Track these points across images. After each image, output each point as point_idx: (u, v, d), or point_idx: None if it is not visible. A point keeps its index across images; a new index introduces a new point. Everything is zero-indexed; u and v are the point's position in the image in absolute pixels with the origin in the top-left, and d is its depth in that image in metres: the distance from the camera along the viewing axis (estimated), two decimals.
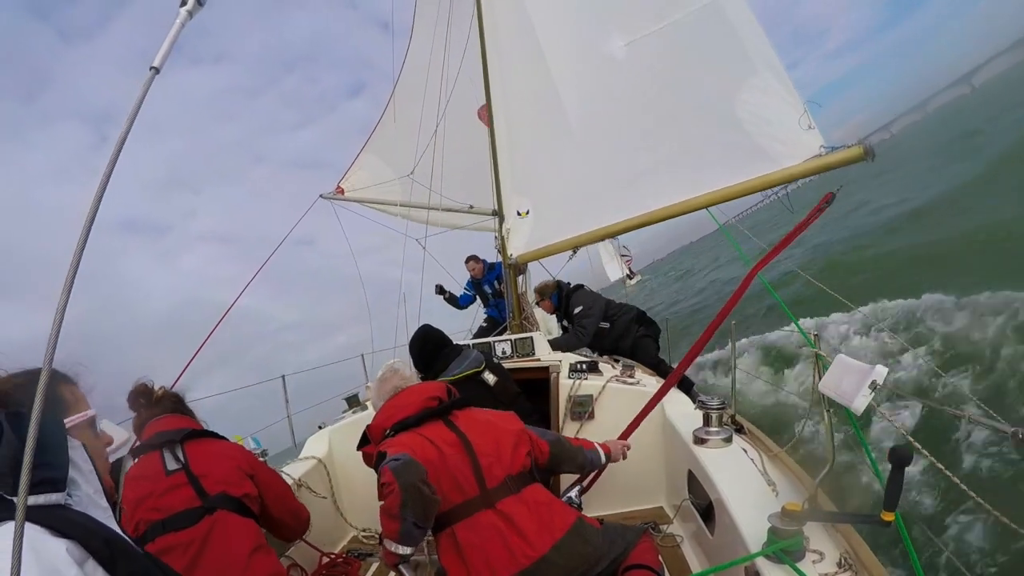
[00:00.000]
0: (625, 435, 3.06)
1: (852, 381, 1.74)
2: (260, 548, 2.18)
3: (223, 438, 2.57)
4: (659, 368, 5.44)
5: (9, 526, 0.96)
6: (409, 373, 2.66)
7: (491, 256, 8.04)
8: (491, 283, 8.03)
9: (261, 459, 2.83)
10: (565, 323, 6.29)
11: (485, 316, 8.31)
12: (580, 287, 6.33)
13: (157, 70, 0.86)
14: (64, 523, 1.05)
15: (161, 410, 2.51)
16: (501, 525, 2.12)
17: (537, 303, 6.36)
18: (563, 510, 2.23)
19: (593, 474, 2.95)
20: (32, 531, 0.96)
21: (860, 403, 1.67)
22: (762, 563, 1.76)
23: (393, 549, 2.02)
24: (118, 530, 1.17)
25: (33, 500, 1.01)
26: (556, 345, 5.23)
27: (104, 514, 1.17)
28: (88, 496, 1.18)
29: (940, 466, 1.73)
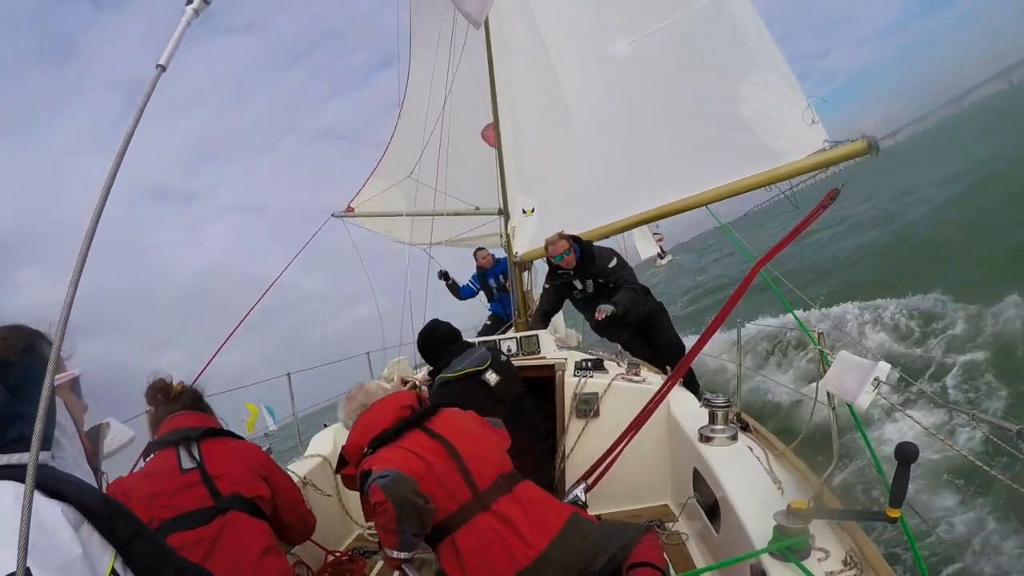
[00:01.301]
0: (631, 431, 3.05)
1: (855, 378, 1.73)
2: (271, 549, 2.18)
3: (240, 437, 2.56)
4: (682, 354, 5.12)
5: (2, 485, 0.92)
6: (374, 388, 2.61)
7: (498, 255, 8.11)
8: (496, 276, 8.04)
9: (269, 453, 2.82)
10: (578, 284, 5.34)
11: (489, 314, 8.33)
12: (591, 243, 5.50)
13: (163, 68, 0.86)
14: (55, 483, 0.98)
15: (179, 406, 2.50)
16: (499, 527, 2.10)
17: (559, 254, 5.14)
18: (557, 506, 2.23)
19: (598, 472, 2.95)
20: (20, 490, 0.89)
21: (863, 400, 1.66)
22: (768, 561, 1.76)
23: (394, 555, 2.04)
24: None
25: (18, 458, 0.97)
26: (623, 304, 4.98)
27: (88, 477, 1.12)
28: (72, 458, 1.12)
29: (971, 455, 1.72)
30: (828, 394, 1.92)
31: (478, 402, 3.07)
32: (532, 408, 3.46)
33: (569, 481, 3.37)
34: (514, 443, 2.65)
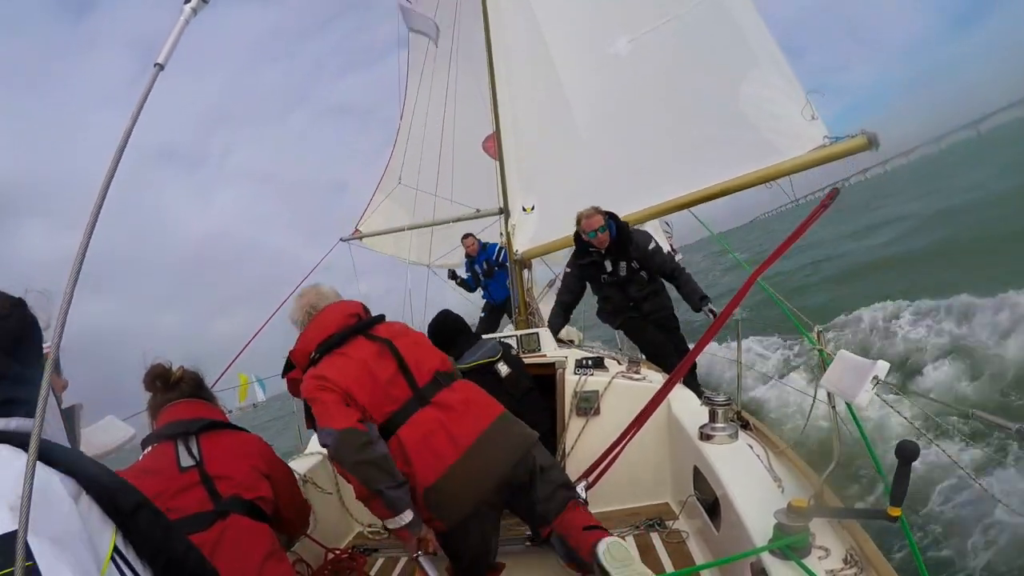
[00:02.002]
0: (631, 430, 3.06)
1: (854, 377, 1.73)
2: (273, 554, 2.12)
3: (241, 429, 2.47)
4: (678, 348, 4.81)
5: None
6: (327, 290, 2.68)
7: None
8: (481, 263, 8.15)
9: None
10: (608, 266, 4.78)
11: (483, 304, 8.42)
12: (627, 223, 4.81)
13: (161, 67, 0.86)
14: (50, 450, 0.87)
15: (178, 394, 2.42)
16: (440, 415, 2.27)
17: (593, 230, 4.55)
18: (492, 399, 2.46)
19: (599, 470, 2.95)
20: (8, 452, 0.83)
21: (863, 398, 1.66)
22: (768, 559, 1.76)
23: (397, 524, 2.13)
24: None
25: (4, 423, 0.88)
26: (690, 290, 4.78)
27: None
28: (54, 432, 1.00)
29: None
30: (828, 393, 1.92)
31: (490, 392, 3.12)
32: (538, 405, 3.47)
33: (570, 478, 3.37)
34: None
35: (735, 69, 4.36)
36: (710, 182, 4.39)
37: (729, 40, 4.43)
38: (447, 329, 3.65)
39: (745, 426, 2.98)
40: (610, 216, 4.60)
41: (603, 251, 4.71)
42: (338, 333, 2.39)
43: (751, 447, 2.59)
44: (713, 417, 2.79)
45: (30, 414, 0.90)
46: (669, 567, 2.67)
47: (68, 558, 0.76)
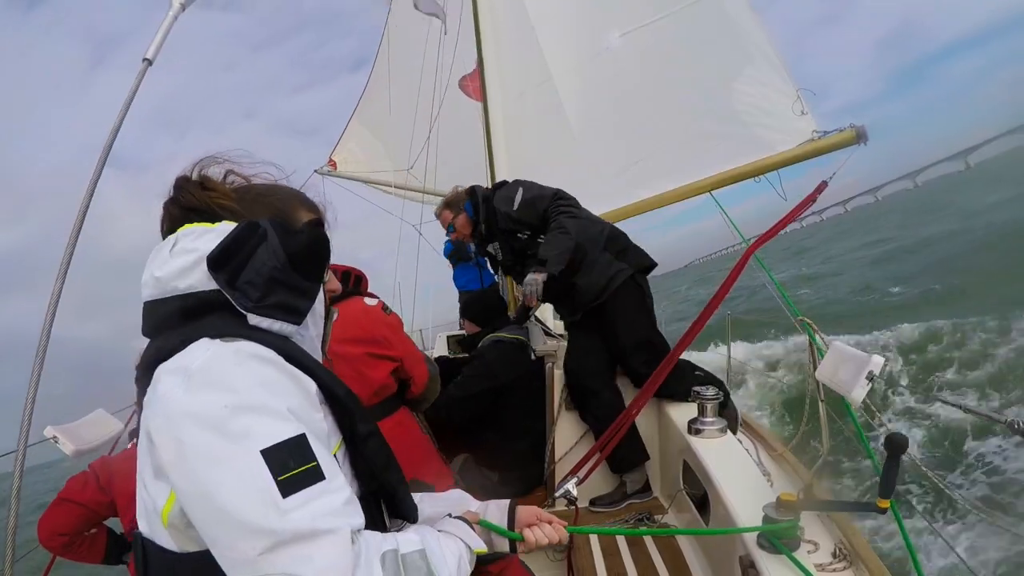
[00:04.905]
0: (621, 424, 3.04)
1: (849, 370, 1.73)
2: None
3: None
4: (654, 351, 3.20)
5: (242, 345, 0.87)
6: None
7: None
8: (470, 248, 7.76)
9: None
10: (491, 251, 3.60)
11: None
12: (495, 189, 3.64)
13: (150, 62, 0.85)
14: (311, 363, 0.95)
15: None
16: None
17: (450, 227, 3.57)
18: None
19: (589, 466, 2.93)
20: (268, 353, 0.88)
21: (858, 393, 1.66)
22: (758, 554, 1.76)
23: None
24: None
25: (268, 324, 0.94)
26: (552, 256, 3.08)
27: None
28: (311, 340, 1.05)
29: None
30: (819, 385, 1.92)
31: (526, 373, 3.41)
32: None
33: (559, 475, 3.36)
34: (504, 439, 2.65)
35: (729, 65, 4.38)
36: (700, 176, 4.41)
37: (722, 35, 4.44)
38: (495, 302, 3.87)
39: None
40: (469, 193, 3.51)
41: (474, 240, 3.60)
42: None
43: (740, 441, 2.60)
44: (702, 411, 2.78)
45: (293, 320, 0.97)
46: (658, 560, 2.68)
47: (333, 461, 0.87)
